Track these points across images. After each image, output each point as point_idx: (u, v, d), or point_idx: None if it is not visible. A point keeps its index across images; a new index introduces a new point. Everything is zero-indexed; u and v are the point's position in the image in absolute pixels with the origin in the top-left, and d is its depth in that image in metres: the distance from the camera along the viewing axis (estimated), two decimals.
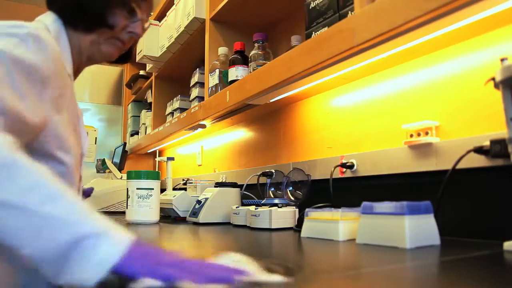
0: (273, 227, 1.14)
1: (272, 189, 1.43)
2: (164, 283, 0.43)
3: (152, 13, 0.86)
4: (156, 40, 2.12)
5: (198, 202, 1.47)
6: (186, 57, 2.07)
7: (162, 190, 1.76)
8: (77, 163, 0.81)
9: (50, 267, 0.45)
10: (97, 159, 2.69)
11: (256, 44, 1.41)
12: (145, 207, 1.46)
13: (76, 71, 0.88)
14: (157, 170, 3.02)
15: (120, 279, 0.45)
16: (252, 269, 0.47)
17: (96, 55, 0.86)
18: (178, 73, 2.33)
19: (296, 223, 1.15)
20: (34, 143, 0.68)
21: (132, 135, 2.97)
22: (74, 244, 0.45)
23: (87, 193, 1.32)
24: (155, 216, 1.48)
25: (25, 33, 0.66)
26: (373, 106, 1.16)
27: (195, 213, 1.43)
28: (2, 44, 0.62)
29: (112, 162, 2.49)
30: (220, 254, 0.53)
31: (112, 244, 0.46)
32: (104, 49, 0.85)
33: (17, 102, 0.60)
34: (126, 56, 0.95)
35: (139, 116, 2.93)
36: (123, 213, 2.01)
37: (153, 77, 2.51)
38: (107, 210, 2.07)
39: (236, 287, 0.43)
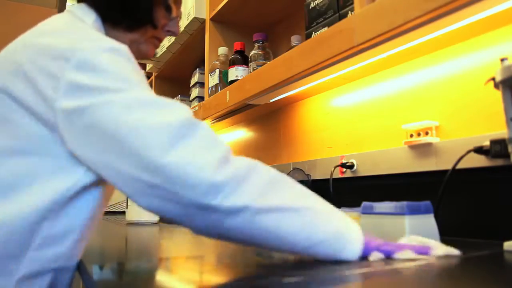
0: None
1: None
2: (385, 255, 0.60)
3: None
4: None
5: None
6: (186, 57, 2.07)
7: None
8: None
9: (327, 248, 0.58)
10: None
11: (256, 44, 1.41)
12: None
13: None
14: None
15: None
16: (434, 245, 0.63)
17: (134, 54, 0.80)
18: (178, 73, 2.33)
19: None
20: None
21: None
22: (343, 229, 0.59)
23: None
24: (155, 216, 1.48)
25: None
26: (373, 106, 1.16)
27: None
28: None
29: None
30: (405, 237, 0.67)
31: (359, 229, 0.61)
32: (143, 48, 0.82)
33: None
34: None
35: None
36: (123, 213, 2.01)
37: (153, 77, 2.51)
38: (107, 210, 2.07)
39: (429, 257, 0.60)
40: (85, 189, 0.63)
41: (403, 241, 0.66)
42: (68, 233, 0.64)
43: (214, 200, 0.52)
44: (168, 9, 0.81)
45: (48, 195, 0.60)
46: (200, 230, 0.57)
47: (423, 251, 0.61)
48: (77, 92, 0.56)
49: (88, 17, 0.72)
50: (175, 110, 0.57)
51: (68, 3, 3.28)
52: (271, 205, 0.55)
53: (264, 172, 0.59)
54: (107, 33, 0.75)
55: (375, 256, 0.59)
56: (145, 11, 0.76)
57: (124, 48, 0.63)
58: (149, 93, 0.59)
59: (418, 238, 0.66)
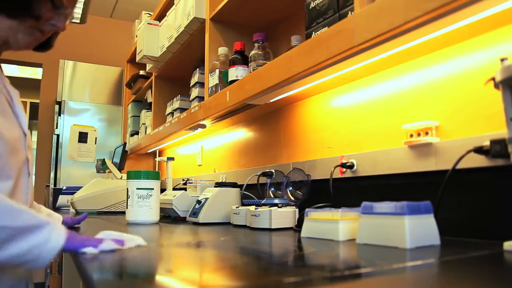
0: (273, 227, 1.14)
1: (272, 189, 1.43)
2: (93, 248, 0.70)
3: (76, 6, 0.90)
4: (156, 40, 2.12)
5: (198, 202, 1.47)
6: (186, 57, 2.07)
7: (162, 190, 1.76)
8: (17, 145, 0.83)
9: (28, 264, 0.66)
10: (97, 159, 2.69)
11: (256, 44, 1.41)
12: (145, 207, 1.46)
13: None
14: (157, 170, 3.02)
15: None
16: (127, 238, 0.77)
17: (11, 41, 0.83)
18: (178, 73, 2.33)
19: (296, 223, 1.16)
20: None
21: (132, 135, 2.97)
22: (44, 242, 0.67)
23: (81, 219, 1.28)
24: (155, 216, 1.48)
25: None
26: (373, 106, 1.16)
27: (195, 213, 1.43)
28: None
29: (112, 162, 2.49)
30: (101, 232, 0.79)
31: (59, 234, 0.69)
32: (21, 37, 0.82)
33: None
34: (45, 45, 0.93)
35: (139, 116, 2.93)
36: (123, 213, 2.01)
37: (153, 77, 2.51)
38: (107, 210, 2.07)
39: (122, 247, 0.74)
40: None
41: (100, 235, 0.77)
42: None
43: None
44: (56, 4, 0.82)
45: None
46: None
47: (119, 243, 0.73)
48: None
49: None
50: None
51: None
52: None
53: None
54: None
55: (88, 250, 0.69)
56: (24, 1, 0.78)
57: None
58: None
59: (113, 233, 0.78)
